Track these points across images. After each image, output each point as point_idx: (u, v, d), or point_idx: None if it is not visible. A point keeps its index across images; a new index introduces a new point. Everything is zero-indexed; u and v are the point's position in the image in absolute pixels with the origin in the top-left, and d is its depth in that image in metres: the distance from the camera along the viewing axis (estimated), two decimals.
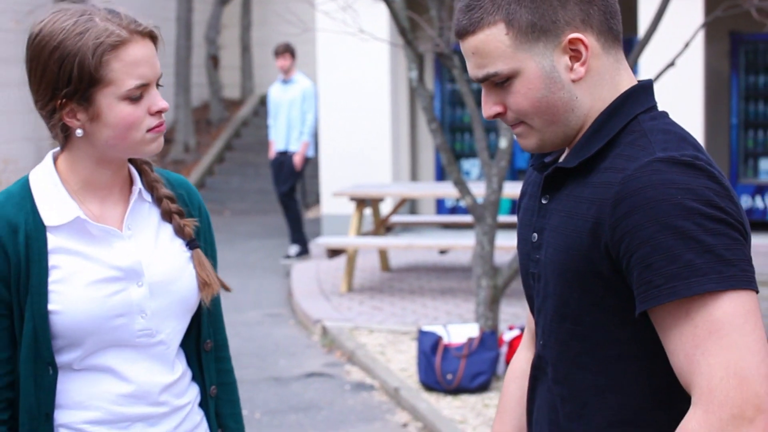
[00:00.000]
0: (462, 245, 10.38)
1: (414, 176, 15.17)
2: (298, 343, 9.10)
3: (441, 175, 14.47)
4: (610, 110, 1.95)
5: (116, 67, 2.24)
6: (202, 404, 2.52)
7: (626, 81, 1.99)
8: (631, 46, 13.32)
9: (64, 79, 2.24)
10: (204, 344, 2.51)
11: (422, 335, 7.47)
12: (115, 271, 2.34)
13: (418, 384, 7.45)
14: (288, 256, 12.54)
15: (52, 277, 2.30)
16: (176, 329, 2.43)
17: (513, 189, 11.07)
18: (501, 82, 1.96)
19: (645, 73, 11.90)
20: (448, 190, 11.20)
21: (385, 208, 12.76)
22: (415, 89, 7.82)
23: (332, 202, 13.55)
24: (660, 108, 2.03)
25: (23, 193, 2.35)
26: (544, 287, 2.01)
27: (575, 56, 1.93)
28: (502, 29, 1.92)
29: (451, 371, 7.24)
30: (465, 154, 14.51)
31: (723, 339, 1.76)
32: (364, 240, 10.80)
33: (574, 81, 1.93)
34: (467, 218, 12.38)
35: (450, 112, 14.60)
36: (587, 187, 1.92)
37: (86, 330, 2.31)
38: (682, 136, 1.90)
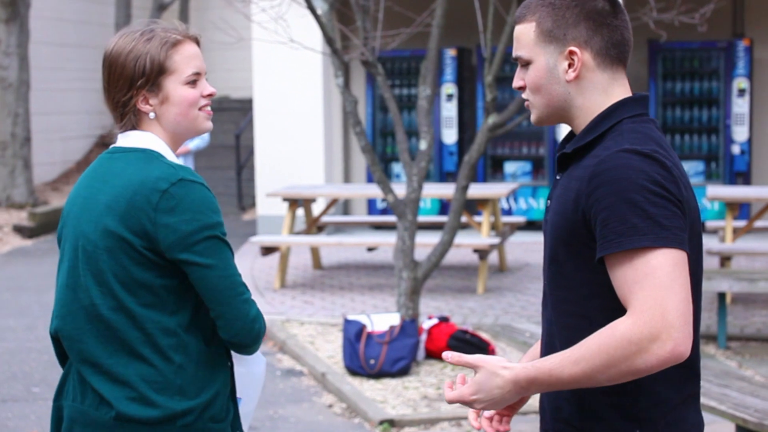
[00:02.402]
0: (389, 243, 10.95)
1: (347, 178, 15.73)
2: None
3: (372, 177, 15.02)
4: (603, 114, 2.60)
5: (178, 59, 2.94)
6: None
7: (619, 93, 2.63)
8: None
9: (139, 72, 2.92)
10: None
11: (347, 323, 8.02)
12: None
13: (344, 369, 8.00)
14: None
15: None
16: None
17: (440, 190, 11.68)
18: (524, 65, 2.66)
19: None
20: (377, 191, 11.76)
21: (318, 209, 13.28)
22: (342, 94, 8.35)
23: (267, 203, 14.04)
24: None
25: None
26: (546, 240, 2.67)
27: (571, 63, 2.60)
28: (533, 27, 2.63)
29: (373, 356, 7.80)
30: (396, 157, 15.07)
31: (656, 280, 2.38)
32: (296, 238, 11.33)
33: (567, 81, 2.60)
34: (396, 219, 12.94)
35: (381, 117, 15.16)
36: (578, 168, 2.57)
37: None
38: (650, 136, 2.53)
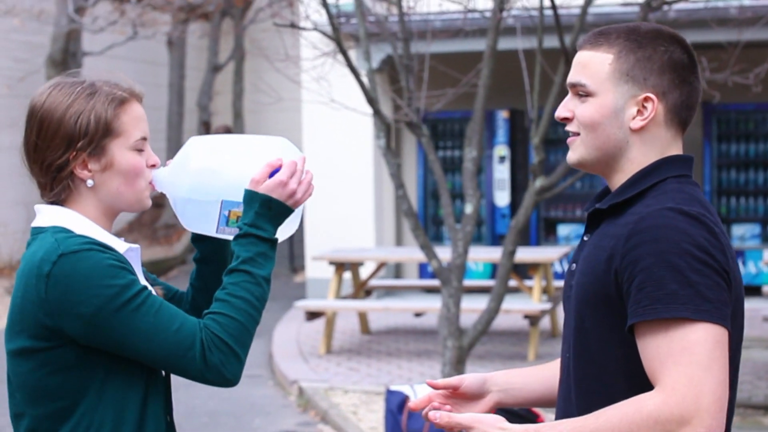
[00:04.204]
0: (436, 308, 10.63)
1: (398, 241, 15.46)
2: (274, 403, 9.33)
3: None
4: (648, 170, 2.37)
5: (125, 120, 2.51)
6: None
7: (673, 153, 2.40)
8: None
9: (80, 132, 2.46)
10: None
11: (390, 394, 7.72)
12: None
13: None
14: None
15: None
16: None
17: (491, 254, 11.36)
18: (581, 95, 2.40)
19: None
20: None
21: (367, 272, 13.02)
22: (384, 156, 8.12)
23: (316, 266, 13.82)
24: None
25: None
26: (570, 306, 2.40)
27: (641, 111, 2.36)
28: (609, 59, 2.38)
29: (416, 429, 7.48)
30: None
31: (693, 357, 2.14)
32: (341, 303, 11.07)
33: (631, 129, 2.36)
34: None
35: (433, 179, 14.85)
36: (613, 226, 2.33)
37: None
38: (695, 198, 2.31)
